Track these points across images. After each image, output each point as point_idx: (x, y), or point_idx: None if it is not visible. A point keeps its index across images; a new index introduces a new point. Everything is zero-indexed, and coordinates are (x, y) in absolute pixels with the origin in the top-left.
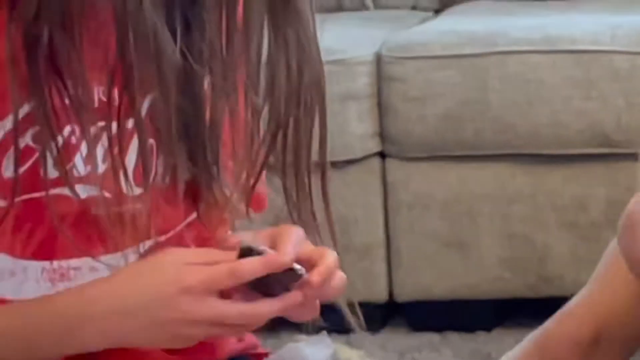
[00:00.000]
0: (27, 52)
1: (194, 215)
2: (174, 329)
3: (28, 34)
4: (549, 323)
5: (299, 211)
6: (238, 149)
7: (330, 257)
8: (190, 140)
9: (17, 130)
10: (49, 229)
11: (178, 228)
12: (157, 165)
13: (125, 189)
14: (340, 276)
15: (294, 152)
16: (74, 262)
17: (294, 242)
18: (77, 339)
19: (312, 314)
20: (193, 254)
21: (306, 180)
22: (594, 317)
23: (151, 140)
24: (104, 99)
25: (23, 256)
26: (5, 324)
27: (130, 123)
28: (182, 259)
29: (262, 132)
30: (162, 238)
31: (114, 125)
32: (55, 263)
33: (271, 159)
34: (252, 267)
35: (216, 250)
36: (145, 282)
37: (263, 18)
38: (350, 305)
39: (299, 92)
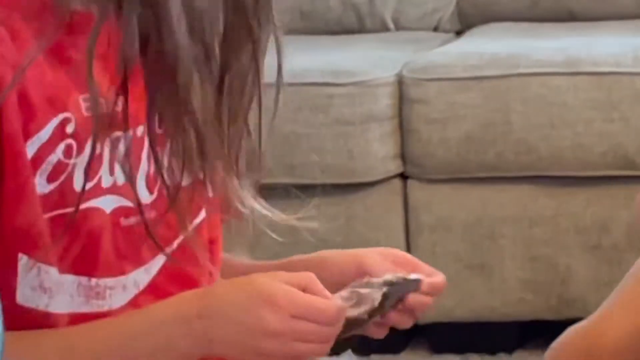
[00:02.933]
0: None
1: (198, 218)
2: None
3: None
4: (562, 337)
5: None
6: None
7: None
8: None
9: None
10: (84, 245)
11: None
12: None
13: (141, 197)
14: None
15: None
16: (110, 281)
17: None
18: (172, 347)
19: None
20: (288, 277)
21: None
22: (598, 336)
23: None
24: (116, 109)
25: (61, 270)
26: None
27: (139, 131)
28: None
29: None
30: (174, 245)
31: (128, 134)
32: (93, 281)
33: None
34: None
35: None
36: (236, 288)
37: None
38: None
39: None
